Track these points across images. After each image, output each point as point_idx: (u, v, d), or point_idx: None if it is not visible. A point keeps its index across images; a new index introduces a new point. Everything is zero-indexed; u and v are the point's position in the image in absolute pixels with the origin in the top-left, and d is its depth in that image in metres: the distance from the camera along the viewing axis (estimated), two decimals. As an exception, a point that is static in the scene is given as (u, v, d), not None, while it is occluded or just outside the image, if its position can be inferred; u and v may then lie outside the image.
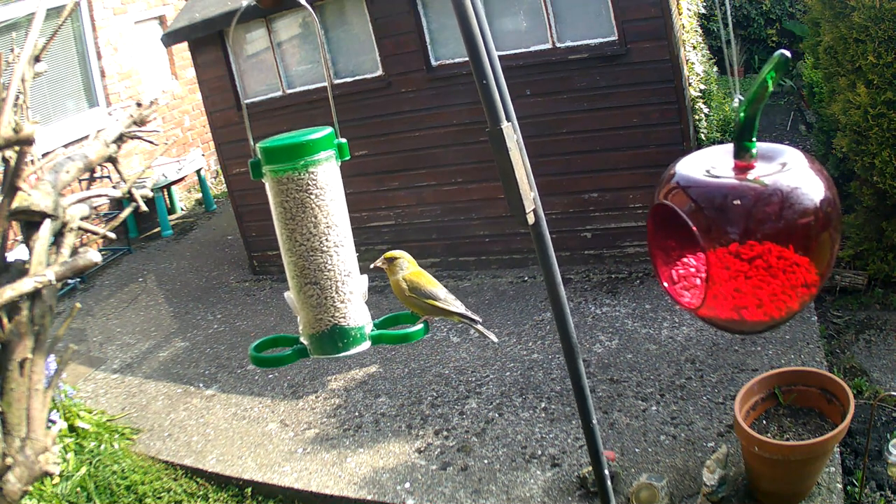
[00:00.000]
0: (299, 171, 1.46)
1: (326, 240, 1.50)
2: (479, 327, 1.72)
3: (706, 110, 5.32)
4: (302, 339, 1.57)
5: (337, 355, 1.55)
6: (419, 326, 1.62)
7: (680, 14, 5.28)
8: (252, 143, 1.52)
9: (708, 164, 1.21)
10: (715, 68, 6.92)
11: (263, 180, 1.51)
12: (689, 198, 1.17)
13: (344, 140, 1.53)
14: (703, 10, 7.27)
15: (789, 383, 3.08)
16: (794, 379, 3.08)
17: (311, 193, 1.48)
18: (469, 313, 1.70)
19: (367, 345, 1.57)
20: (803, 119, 6.93)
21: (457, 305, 1.69)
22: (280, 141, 1.49)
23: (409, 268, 1.70)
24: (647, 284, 4.81)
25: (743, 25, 8.58)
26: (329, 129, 1.52)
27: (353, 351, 1.55)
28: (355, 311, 1.55)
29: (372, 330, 1.59)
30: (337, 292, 1.52)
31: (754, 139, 1.17)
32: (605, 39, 4.71)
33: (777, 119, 7.11)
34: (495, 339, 1.82)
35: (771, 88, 1.14)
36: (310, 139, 1.48)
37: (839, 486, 2.94)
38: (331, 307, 1.52)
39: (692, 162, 1.23)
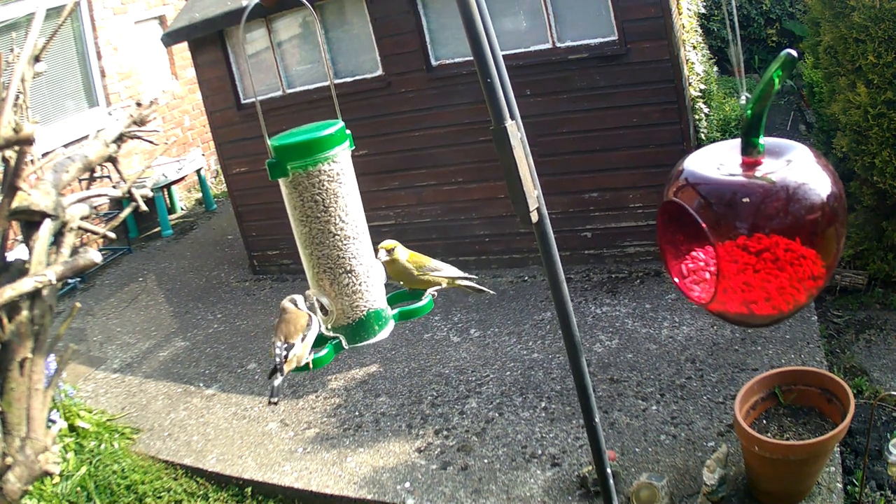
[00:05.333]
0: (330, 161, 1.49)
1: (356, 227, 1.55)
2: (473, 284, 1.88)
3: (706, 110, 5.32)
4: (331, 333, 1.58)
5: (373, 339, 1.60)
6: (426, 300, 1.70)
7: (680, 14, 5.27)
8: (268, 142, 1.52)
9: (716, 161, 1.22)
10: (715, 68, 6.92)
11: (281, 179, 1.51)
12: (697, 194, 1.19)
13: (349, 132, 1.58)
14: (703, 10, 7.27)
15: (789, 383, 3.08)
16: (794, 378, 3.08)
17: (341, 183, 1.51)
18: (467, 276, 1.86)
19: (392, 325, 1.64)
20: (803, 119, 6.94)
21: (454, 270, 1.85)
22: (302, 136, 1.51)
23: (404, 253, 1.80)
24: (648, 284, 4.81)
25: (743, 25, 8.57)
26: (340, 122, 1.56)
27: (386, 332, 1.61)
28: (380, 294, 1.61)
29: (392, 311, 1.65)
30: (368, 277, 1.57)
31: (761, 136, 1.18)
32: (605, 39, 4.70)
33: (777, 119, 7.11)
34: (491, 291, 1.99)
35: (777, 86, 1.15)
36: (335, 130, 1.51)
37: (839, 485, 2.94)
38: (364, 292, 1.57)
39: (700, 158, 1.24)
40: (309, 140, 1.50)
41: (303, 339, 1.54)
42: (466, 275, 1.84)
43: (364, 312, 1.57)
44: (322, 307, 1.57)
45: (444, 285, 1.81)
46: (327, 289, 1.55)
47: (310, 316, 1.58)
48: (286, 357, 1.51)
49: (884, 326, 4.00)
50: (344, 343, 1.59)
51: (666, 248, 1.32)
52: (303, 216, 1.52)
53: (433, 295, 1.75)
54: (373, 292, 1.58)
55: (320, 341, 1.62)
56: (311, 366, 1.56)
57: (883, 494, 2.98)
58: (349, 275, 1.54)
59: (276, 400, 1.55)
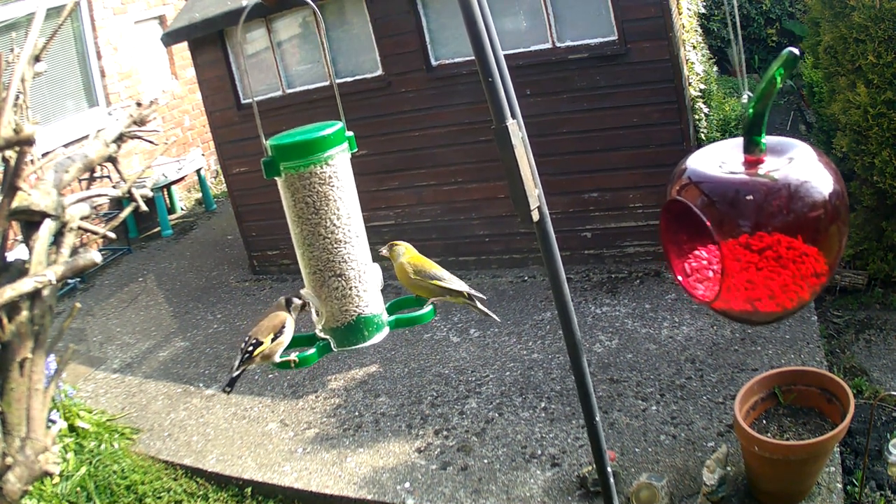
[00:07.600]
0: (322, 164, 1.48)
1: (349, 230, 1.53)
2: (481, 306, 1.78)
3: (706, 110, 5.32)
4: (322, 335, 1.58)
5: (363, 344, 1.58)
6: (428, 309, 1.67)
7: (680, 14, 5.27)
8: (264, 141, 1.52)
9: (719, 160, 1.23)
10: (715, 68, 6.92)
11: (277, 178, 1.51)
12: (701, 192, 1.20)
13: (351, 133, 1.56)
14: (703, 10, 7.27)
15: (789, 383, 3.08)
16: (794, 378, 3.08)
17: (333, 186, 1.50)
18: (472, 292, 1.76)
19: (386, 331, 1.61)
20: (803, 119, 6.94)
21: (460, 285, 1.75)
22: (297, 136, 1.50)
23: (407, 253, 1.75)
24: (647, 284, 4.81)
25: (743, 25, 8.57)
26: (339, 124, 1.54)
27: (376, 338, 1.59)
28: (374, 299, 1.58)
29: (388, 317, 1.63)
30: (360, 282, 1.55)
31: (763, 134, 1.19)
32: (605, 39, 4.70)
33: (777, 119, 7.11)
34: (497, 318, 1.88)
35: (779, 85, 1.16)
36: (330, 132, 1.50)
37: (839, 485, 2.94)
38: (355, 297, 1.55)
39: (703, 157, 1.25)
40: (301, 141, 1.48)
41: (273, 340, 1.58)
42: (472, 291, 1.76)
43: (354, 317, 1.56)
44: (316, 308, 1.56)
45: (447, 298, 1.74)
46: (318, 290, 1.55)
47: (287, 318, 1.61)
48: (251, 353, 1.57)
49: (884, 326, 4.00)
50: (333, 346, 1.58)
51: (669, 247, 1.32)
52: (296, 217, 1.52)
53: (434, 304, 1.71)
54: (365, 297, 1.56)
55: (311, 341, 1.61)
56: (294, 364, 1.58)
57: (883, 494, 2.98)
58: (339, 278, 1.53)
59: (229, 390, 1.62)
